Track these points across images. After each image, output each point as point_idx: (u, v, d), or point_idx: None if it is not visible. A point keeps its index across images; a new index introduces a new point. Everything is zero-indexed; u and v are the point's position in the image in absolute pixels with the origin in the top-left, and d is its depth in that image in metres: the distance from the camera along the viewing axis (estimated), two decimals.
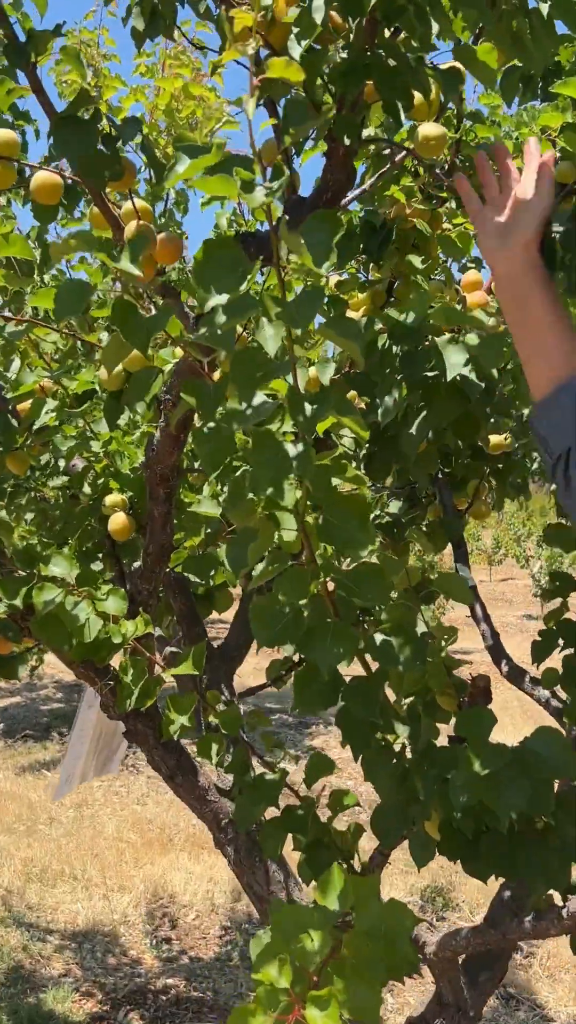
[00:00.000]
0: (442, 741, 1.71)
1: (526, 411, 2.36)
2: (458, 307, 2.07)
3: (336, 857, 2.10)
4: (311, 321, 1.17)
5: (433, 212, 2.18)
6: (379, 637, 1.60)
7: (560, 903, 1.78)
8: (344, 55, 1.41)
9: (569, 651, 1.97)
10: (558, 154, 1.71)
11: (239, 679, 4.74)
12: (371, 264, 2.34)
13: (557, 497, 1.70)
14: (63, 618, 1.94)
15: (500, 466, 2.61)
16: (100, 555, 2.87)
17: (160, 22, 1.53)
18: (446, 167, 2.12)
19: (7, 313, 1.99)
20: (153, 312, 1.39)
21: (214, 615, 4.64)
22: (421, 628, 1.64)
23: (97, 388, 2.29)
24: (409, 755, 1.72)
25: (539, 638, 2.04)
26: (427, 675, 1.72)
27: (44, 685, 9.78)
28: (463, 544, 2.42)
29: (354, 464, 2.21)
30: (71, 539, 3.16)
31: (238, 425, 1.35)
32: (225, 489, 1.99)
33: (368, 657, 1.56)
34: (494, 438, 2.36)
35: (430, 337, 1.78)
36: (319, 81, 1.45)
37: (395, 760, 1.71)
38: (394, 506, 2.64)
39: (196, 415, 2.11)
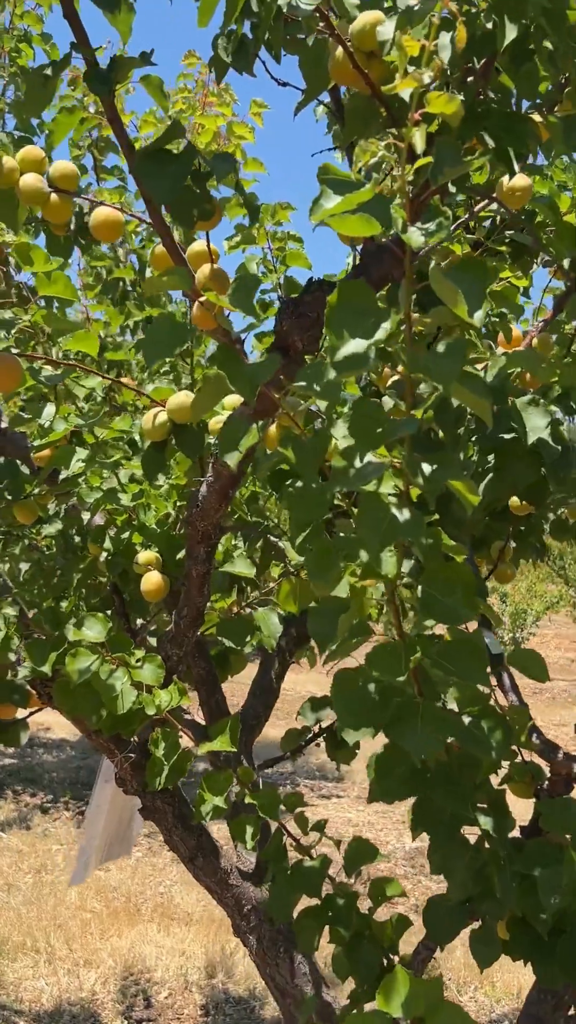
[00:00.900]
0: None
1: None
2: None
3: (378, 953, 1.95)
4: (455, 376, 1.06)
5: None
6: (466, 719, 1.47)
7: None
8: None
9: None
10: None
11: None
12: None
13: None
14: (97, 687, 1.78)
15: (522, 528, 2.52)
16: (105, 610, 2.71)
17: (248, 55, 1.43)
18: (506, 219, 2.05)
19: (44, 356, 1.86)
20: (254, 360, 1.27)
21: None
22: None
23: (128, 437, 2.16)
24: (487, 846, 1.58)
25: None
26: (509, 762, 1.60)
27: None
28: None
29: None
30: (71, 594, 3.00)
31: (343, 486, 1.24)
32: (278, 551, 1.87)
33: None
34: (515, 499, 2.28)
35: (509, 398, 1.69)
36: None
37: (472, 853, 1.57)
38: None
39: (250, 470, 1.98)
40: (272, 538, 2.06)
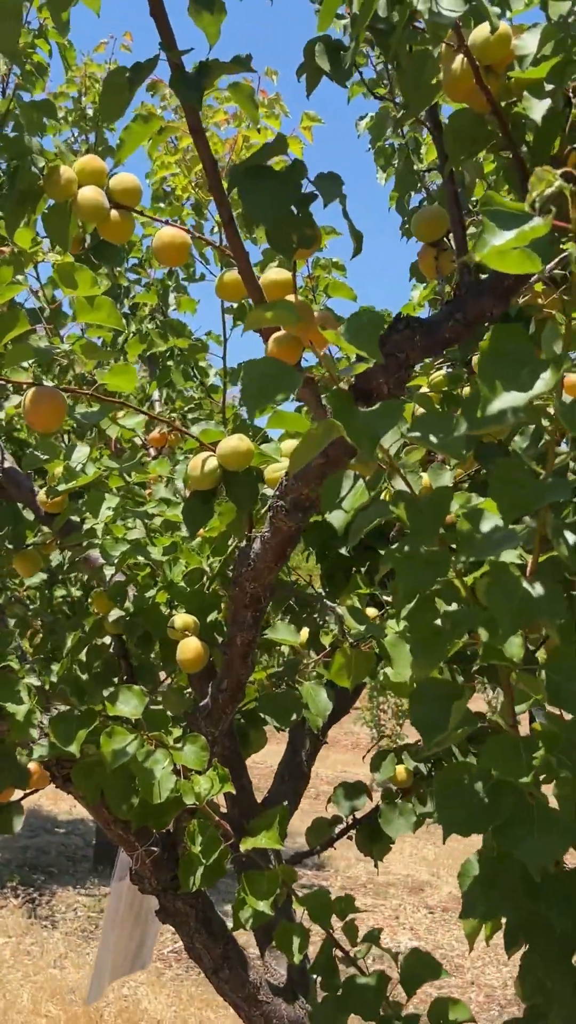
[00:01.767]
0: None
1: None
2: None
3: None
4: None
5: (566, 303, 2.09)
6: None
7: None
8: None
9: None
10: None
11: None
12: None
13: None
14: (135, 771, 1.69)
15: None
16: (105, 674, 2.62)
17: (345, 65, 1.41)
18: None
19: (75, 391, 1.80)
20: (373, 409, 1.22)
21: None
22: None
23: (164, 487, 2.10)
24: None
25: None
26: None
27: None
28: None
29: None
30: (65, 655, 2.91)
31: (470, 555, 1.19)
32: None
33: None
34: None
35: None
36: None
37: None
38: None
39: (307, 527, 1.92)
40: (329, 604, 2.00)
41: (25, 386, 1.60)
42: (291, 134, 2.33)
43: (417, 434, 1.24)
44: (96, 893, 7.23)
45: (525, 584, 1.20)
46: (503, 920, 1.43)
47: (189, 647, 1.95)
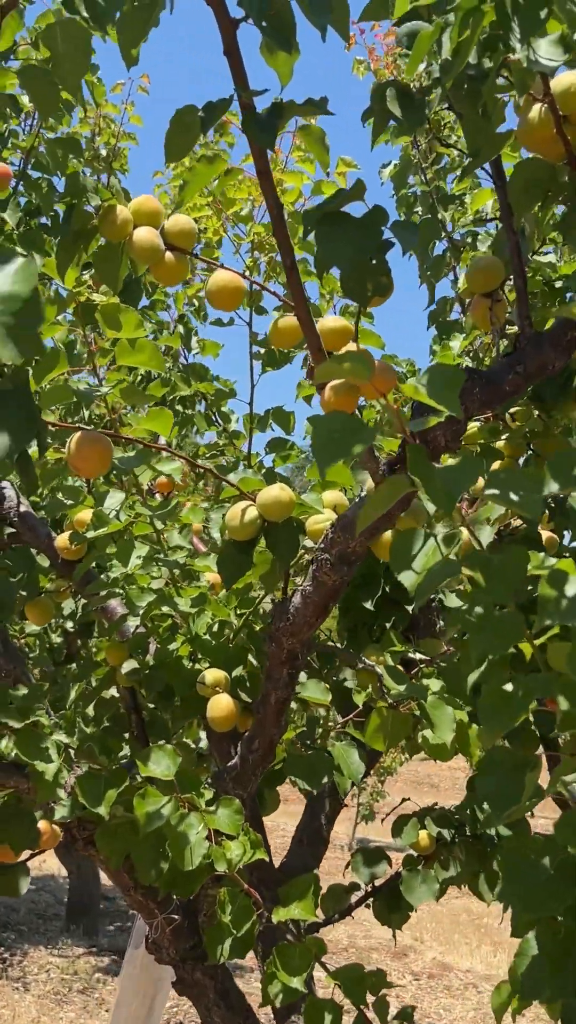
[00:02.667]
0: None
1: None
2: None
3: None
4: None
5: None
6: None
7: None
8: None
9: None
10: None
11: None
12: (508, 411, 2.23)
13: None
14: (168, 836, 1.63)
15: None
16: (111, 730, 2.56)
17: (420, 109, 1.40)
18: None
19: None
20: (449, 465, 1.19)
21: None
22: None
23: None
24: None
25: None
26: None
27: None
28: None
29: None
30: (68, 707, 2.85)
31: (554, 620, 1.15)
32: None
33: None
34: None
35: None
36: None
37: None
38: None
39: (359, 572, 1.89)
40: (365, 662, 1.96)
41: (69, 430, 1.56)
42: (327, 179, 2.33)
43: (495, 492, 1.21)
44: (69, 954, 7.04)
45: None
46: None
47: (220, 704, 1.90)
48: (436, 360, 2.58)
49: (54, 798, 1.71)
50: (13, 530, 2.31)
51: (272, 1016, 2.20)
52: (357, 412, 1.64)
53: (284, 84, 1.36)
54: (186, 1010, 5.94)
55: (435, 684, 1.89)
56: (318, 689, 2.05)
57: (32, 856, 2.21)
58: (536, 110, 1.33)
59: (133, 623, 2.12)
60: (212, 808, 1.71)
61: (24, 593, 2.35)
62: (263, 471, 2.16)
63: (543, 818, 8.03)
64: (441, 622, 2.43)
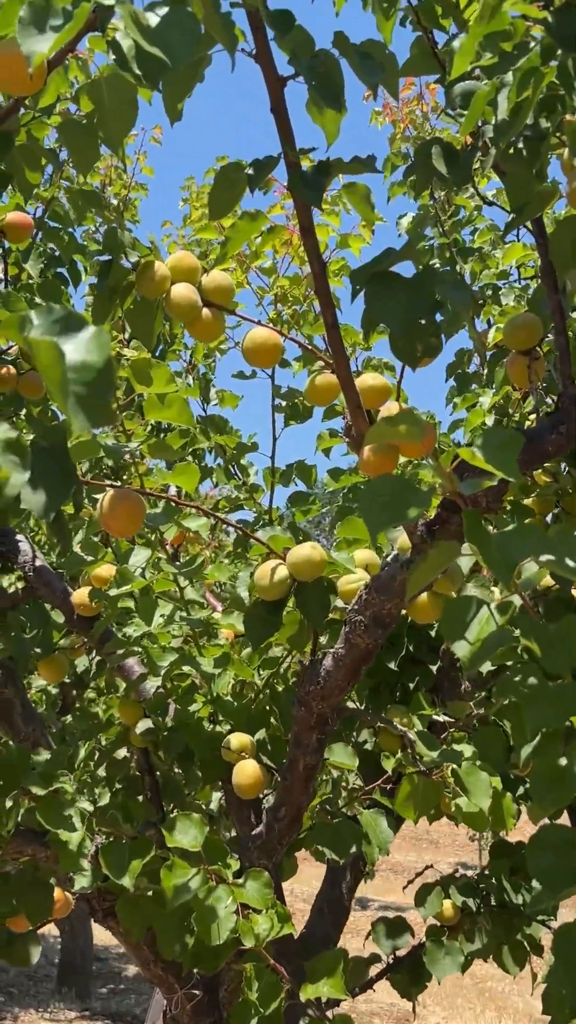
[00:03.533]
0: None
1: None
2: None
3: None
4: None
5: None
6: None
7: None
8: None
9: None
10: None
11: None
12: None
13: None
14: (196, 909, 1.58)
15: None
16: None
17: (466, 167, 1.40)
18: None
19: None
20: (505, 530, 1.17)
21: None
22: None
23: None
24: None
25: None
26: None
27: None
28: None
29: None
30: (76, 767, 2.81)
31: None
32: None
33: None
34: None
35: None
36: None
37: None
38: None
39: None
40: (397, 726, 1.92)
41: (104, 487, 1.54)
42: (351, 233, 2.34)
43: (551, 557, 1.19)
44: (61, 1018, 6.87)
45: None
46: None
47: (247, 771, 1.85)
48: (458, 411, 2.58)
49: (77, 868, 1.66)
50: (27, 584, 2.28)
51: None
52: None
53: (331, 142, 1.36)
54: None
55: (467, 749, 1.85)
56: (345, 754, 2.01)
57: (41, 925, 2.16)
58: None
59: (153, 683, 2.08)
60: (240, 881, 1.67)
61: (39, 650, 2.31)
62: (289, 527, 2.14)
63: None
64: (466, 682, 2.39)
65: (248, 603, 1.88)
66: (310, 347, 1.57)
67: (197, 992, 1.84)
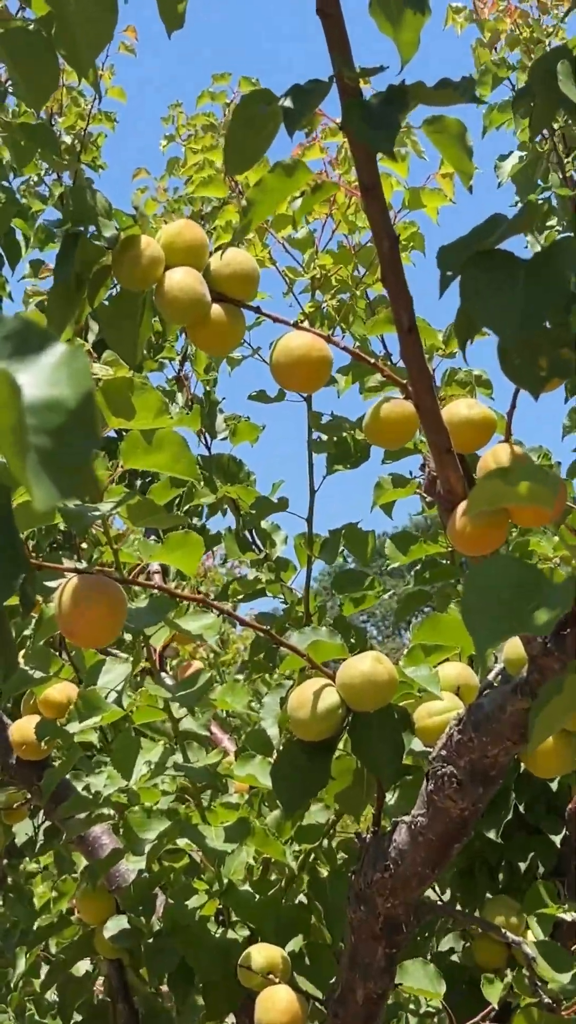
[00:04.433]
0: None
1: None
2: None
3: None
4: None
5: None
6: None
7: None
8: None
9: None
10: None
11: None
12: None
13: None
14: None
15: None
16: None
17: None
18: None
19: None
20: None
21: None
22: None
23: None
24: None
25: None
26: None
27: None
28: None
29: None
30: (14, 987, 2.82)
31: None
32: None
33: None
34: None
35: None
36: None
37: None
38: None
39: None
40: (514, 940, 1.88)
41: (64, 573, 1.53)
42: (425, 186, 2.32)
43: None
44: None
45: None
46: None
47: (279, 1004, 1.83)
48: None
49: None
50: None
51: None
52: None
53: (407, 58, 1.36)
54: None
55: None
56: (425, 975, 1.99)
57: None
58: None
59: (133, 865, 2.06)
60: None
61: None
62: (335, 624, 2.14)
63: None
64: None
65: (278, 744, 1.86)
66: (369, 358, 1.57)
67: None
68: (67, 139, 4.13)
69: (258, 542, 2.83)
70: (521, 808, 2.36)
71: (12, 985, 2.75)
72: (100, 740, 2.42)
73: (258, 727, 2.01)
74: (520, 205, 3.01)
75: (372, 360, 1.60)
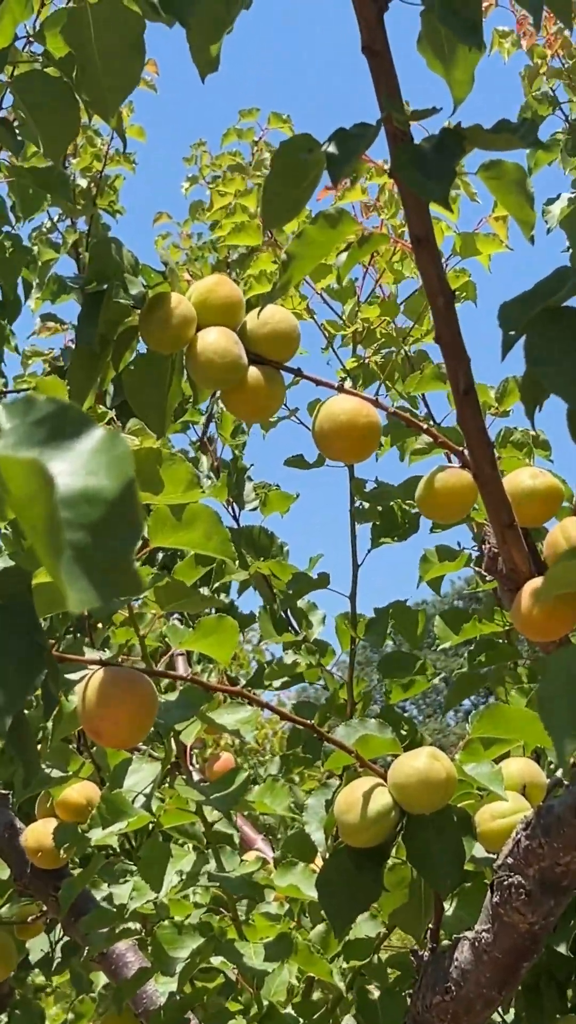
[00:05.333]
0: None
1: None
2: None
3: None
4: None
5: None
6: None
7: None
8: None
9: None
10: None
11: None
12: None
13: None
14: None
15: None
16: None
17: None
18: None
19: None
20: None
21: None
22: None
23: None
24: None
25: None
26: None
27: None
28: None
29: None
30: None
31: None
32: None
33: None
34: None
35: None
36: None
37: None
38: None
39: None
40: None
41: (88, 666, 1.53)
42: (478, 231, 2.33)
43: None
44: None
45: None
46: None
47: None
48: None
49: None
50: None
51: None
52: None
53: (461, 98, 1.37)
54: None
55: None
56: None
57: None
58: None
59: (163, 986, 2.04)
60: None
61: None
62: (383, 715, 2.13)
63: None
64: None
65: (324, 850, 1.84)
66: (420, 423, 1.57)
67: None
68: (82, 182, 4.16)
69: (294, 622, 2.82)
70: None
71: None
72: (120, 842, 2.41)
73: (298, 829, 1.99)
74: (573, 251, 3.02)
75: (423, 424, 1.60)
